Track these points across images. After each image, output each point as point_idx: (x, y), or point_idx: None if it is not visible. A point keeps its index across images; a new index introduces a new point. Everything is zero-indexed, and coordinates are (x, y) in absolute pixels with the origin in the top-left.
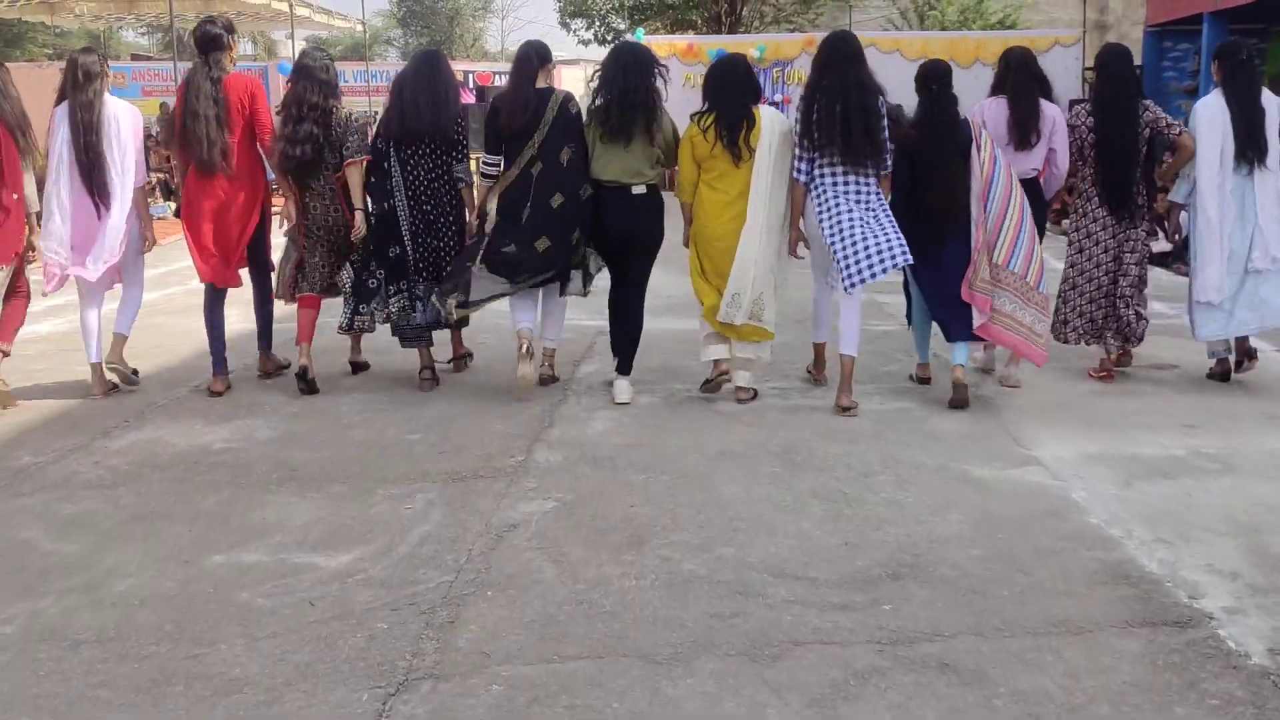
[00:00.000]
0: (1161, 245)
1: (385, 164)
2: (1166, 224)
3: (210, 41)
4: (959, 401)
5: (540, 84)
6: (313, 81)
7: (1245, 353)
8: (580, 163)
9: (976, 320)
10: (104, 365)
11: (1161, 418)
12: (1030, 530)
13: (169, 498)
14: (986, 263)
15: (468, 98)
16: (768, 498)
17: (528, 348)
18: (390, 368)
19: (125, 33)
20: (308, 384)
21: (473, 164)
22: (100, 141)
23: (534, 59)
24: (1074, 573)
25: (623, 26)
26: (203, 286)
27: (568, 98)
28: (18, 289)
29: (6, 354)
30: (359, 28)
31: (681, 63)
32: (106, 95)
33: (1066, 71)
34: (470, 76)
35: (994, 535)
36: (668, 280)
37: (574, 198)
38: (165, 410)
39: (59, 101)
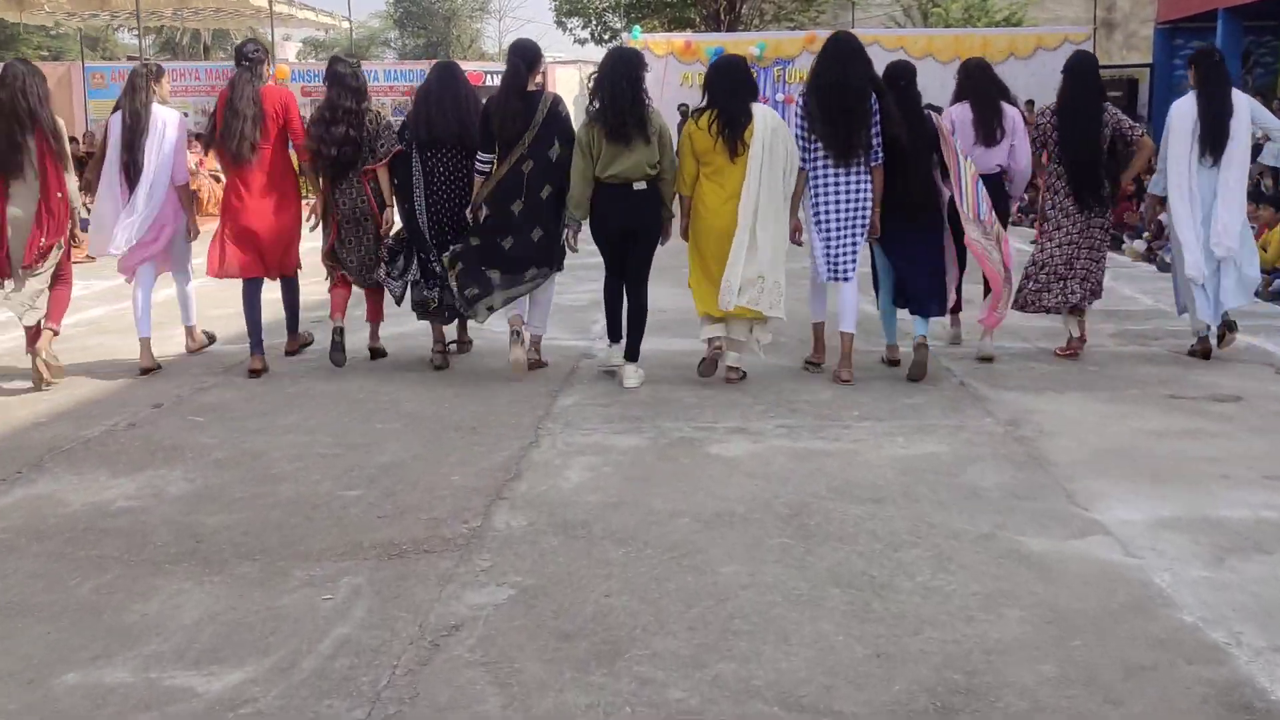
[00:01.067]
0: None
1: (410, 165)
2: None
3: (244, 56)
4: (918, 372)
5: (530, 87)
6: (344, 88)
7: (1227, 326)
8: (567, 160)
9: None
10: (185, 348)
11: (1240, 466)
12: (1112, 634)
13: (37, 583)
14: (973, 222)
15: None
16: (776, 583)
17: (519, 334)
18: (345, 393)
19: (121, 34)
20: (340, 352)
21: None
22: (145, 143)
23: (522, 66)
24: (1177, 701)
25: (619, 25)
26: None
27: (556, 100)
28: (62, 276)
29: (56, 333)
30: (345, 24)
31: (679, 61)
32: (154, 104)
33: None
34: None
35: (1067, 643)
36: (662, 293)
37: (561, 191)
38: (70, 456)
39: (115, 109)
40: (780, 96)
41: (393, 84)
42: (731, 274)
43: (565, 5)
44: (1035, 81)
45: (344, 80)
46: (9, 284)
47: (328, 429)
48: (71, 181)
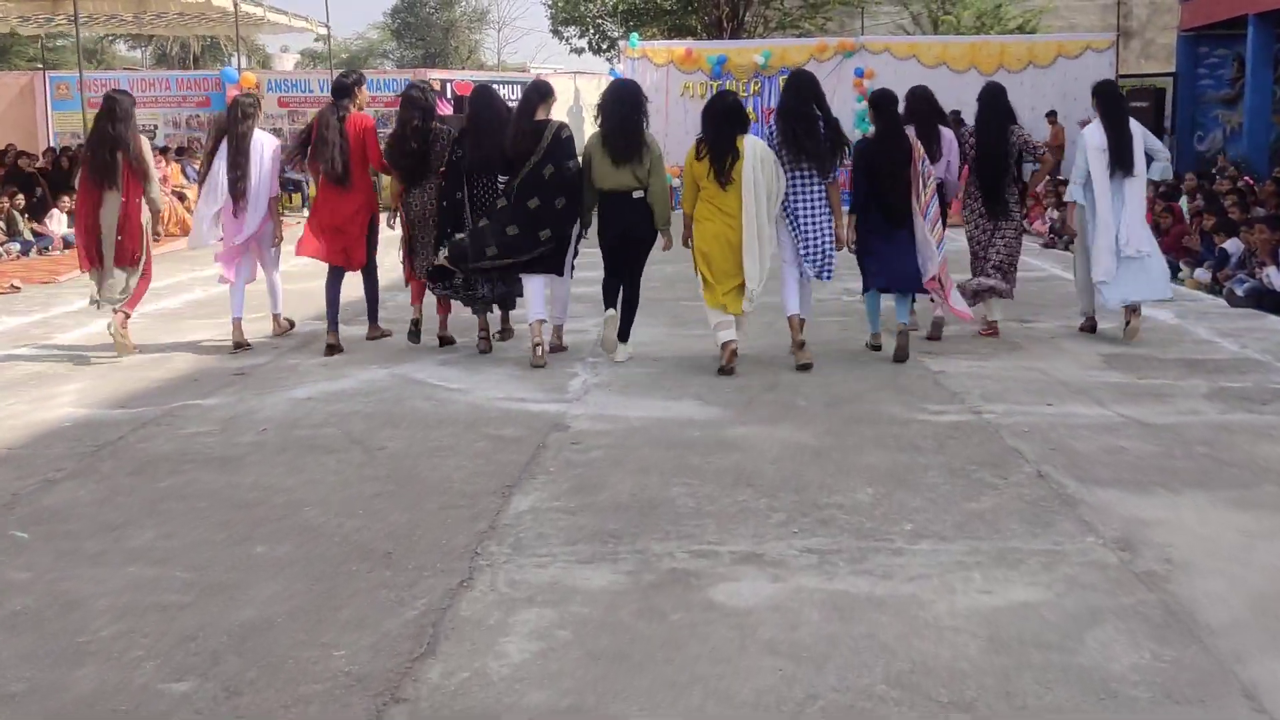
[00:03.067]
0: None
1: (459, 181)
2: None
3: (341, 90)
4: (901, 355)
5: (540, 116)
6: (415, 109)
7: (1133, 311)
8: (566, 177)
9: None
10: (272, 331)
11: None
12: None
13: None
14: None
15: (445, 108)
16: None
17: (538, 342)
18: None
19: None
20: (418, 334)
21: None
22: (247, 162)
23: (534, 98)
24: None
25: (617, 34)
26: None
27: (561, 126)
28: (144, 273)
29: (129, 316)
30: (321, 29)
31: (679, 70)
32: (256, 129)
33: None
34: (449, 86)
35: None
36: (657, 334)
37: (551, 203)
38: None
39: (221, 134)
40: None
41: (375, 94)
42: (750, 277)
43: (561, 14)
44: (1056, 92)
45: (415, 103)
46: (92, 273)
47: (188, 556)
48: (153, 189)
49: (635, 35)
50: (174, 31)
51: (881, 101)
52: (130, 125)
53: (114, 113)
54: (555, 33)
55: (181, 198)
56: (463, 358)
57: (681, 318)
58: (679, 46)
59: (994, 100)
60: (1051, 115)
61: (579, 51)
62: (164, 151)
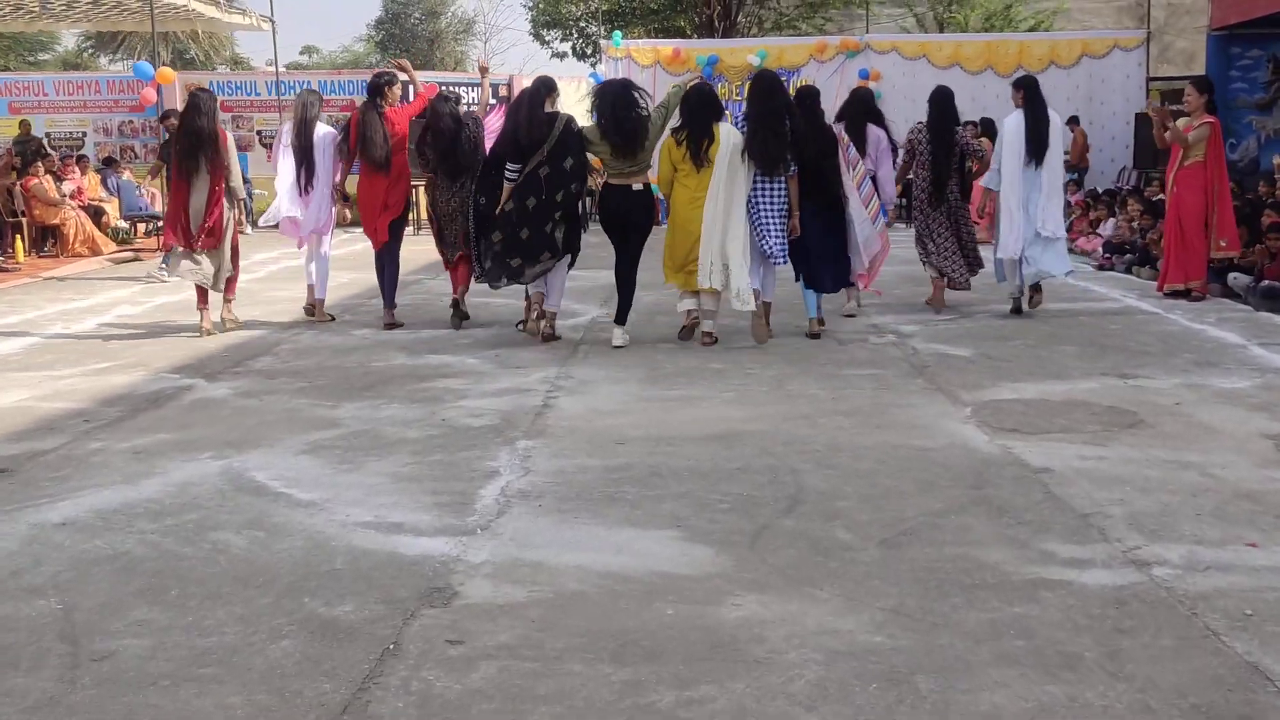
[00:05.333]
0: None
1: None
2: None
3: (375, 89)
4: (814, 333)
5: (548, 108)
6: (443, 116)
7: (1035, 289)
8: (578, 169)
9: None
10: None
11: None
12: None
13: None
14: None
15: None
16: None
17: (539, 311)
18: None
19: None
20: (460, 314)
21: None
22: (313, 153)
23: (543, 91)
24: None
25: (601, 34)
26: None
27: (570, 119)
28: (233, 257)
29: (230, 300)
30: (264, 26)
31: (666, 70)
32: (318, 124)
33: (1128, 80)
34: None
35: None
36: (616, 397)
37: (570, 194)
38: None
39: (294, 127)
40: None
41: (329, 97)
42: (704, 257)
43: (543, 16)
44: (1081, 95)
45: (442, 111)
46: (173, 251)
47: None
48: (234, 179)
49: (619, 33)
50: (95, 26)
51: (805, 97)
52: (214, 120)
53: (198, 108)
54: (536, 36)
55: (99, 213)
56: (345, 439)
57: (659, 369)
58: (666, 45)
59: (944, 103)
60: (1073, 120)
61: (561, 56)
62: (79, 160)
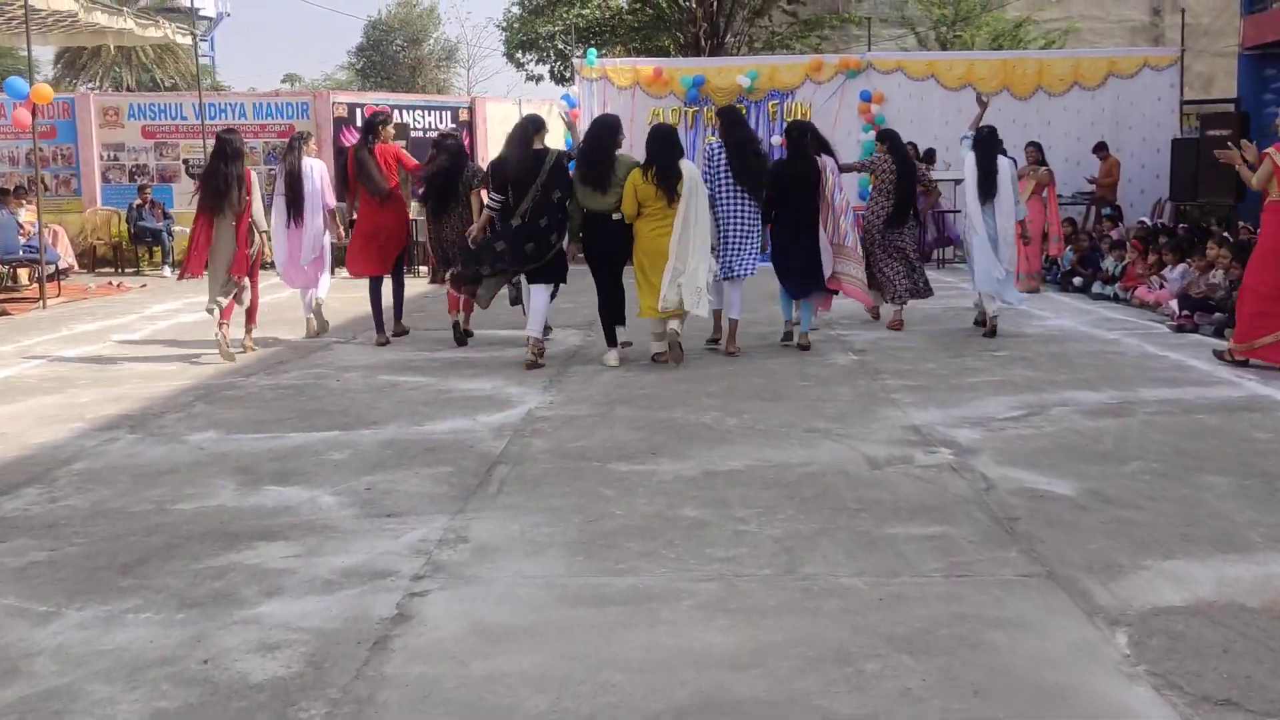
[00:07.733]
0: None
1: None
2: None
3: (369, 128)
4: (804, 346)
5: (537, 145)
6: (444, 149)
7: (995, 316)
8: (564, 201)
9: (828, 286)
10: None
11: None
12: None
13: None
14: (832, 249)
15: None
16: None
17: (535, 348)
18: None
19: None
20: (461, 335)
21: None
22: (302, 185)
23: (529, 129)
24: None
25: (577, 54)
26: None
27: (561, 154)
28: (252, 286)
29: (253, 326)
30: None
31: (646, 93)
32: (306, 157)
33: (1160, 103)
34: (357, 111)
35: None
36: (542, 572)
37: (558, 224)
38: None
39: (282, 159)
40: (776, 139)
41: (264, 121)
42: (667, 287)
43: (517, 36)
44: (1108, 119)
45: (446, 145)
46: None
47: None
48: (256, 214)
49: (593, 51)
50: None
51: (797, 130)
52: (241, 163)
53: (225, 153)
54: (508, 56)
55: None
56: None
57: (602, 516)
58: (646, 65)
59: (898, 142)
60: (1101, 148)
61: (536, 79)
62: None
